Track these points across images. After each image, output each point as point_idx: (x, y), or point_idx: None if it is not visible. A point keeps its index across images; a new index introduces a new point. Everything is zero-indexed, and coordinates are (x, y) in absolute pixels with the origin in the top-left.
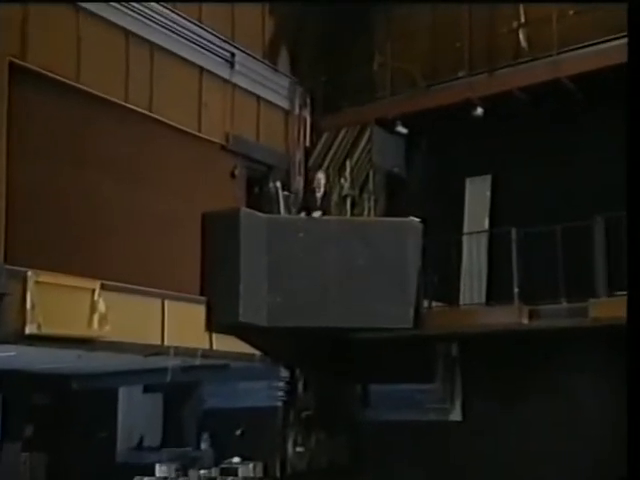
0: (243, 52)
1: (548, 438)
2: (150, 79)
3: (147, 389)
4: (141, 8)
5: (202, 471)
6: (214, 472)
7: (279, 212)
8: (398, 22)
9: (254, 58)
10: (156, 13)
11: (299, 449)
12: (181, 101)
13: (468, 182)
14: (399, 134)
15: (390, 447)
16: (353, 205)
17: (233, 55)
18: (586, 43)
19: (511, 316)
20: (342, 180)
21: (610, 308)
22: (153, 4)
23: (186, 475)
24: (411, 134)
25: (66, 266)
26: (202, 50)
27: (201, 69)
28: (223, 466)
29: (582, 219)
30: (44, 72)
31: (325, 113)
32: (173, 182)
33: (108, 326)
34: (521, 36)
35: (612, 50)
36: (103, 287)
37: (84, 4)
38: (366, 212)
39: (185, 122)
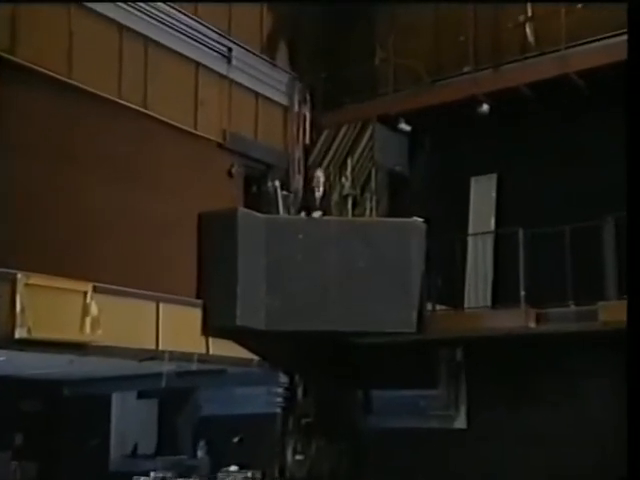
0: (240, 47)
1: (556, 446)
2: (144, 75)
3: (141, 395)
4: (135, 1)
5: None
6: None
7: (278, 212)
8: (401, 16)
9: (252, 53)
10: (150, 7)
11: (299, 457)
12: (176, 97)
13: (473, 181)
14: (402, 131)
15: (392, 455)
16: (354, 205)
17: (230, 50)
18: (595, 37)
19: (518, 320)
20: (343, 179)
21: (620, 311)
22: None
23: None
24: (414, 131)
25: (57, 268)
26: (198, 45)
27: (197, 64)
28: (220, 475)
29: (591, 219)
30: (34, 67)
31: (325, 110)
32: (168, 181)
33: (101, 330)
34: (528, 30)
35: (622, 45)
36: (95, 289)
37: None
38: (368, 212)
39: (181, 119)
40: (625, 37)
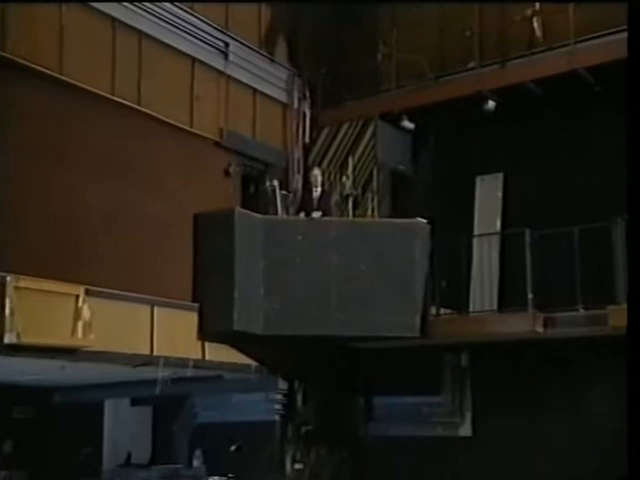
0: (238, 42)
1: (565, 455)
2: (138, 70)
3: (135, 402)
4: (132, 2)
5: None
6: None
7: (276, 213)
8: (404, 10)
9: (250, 48)
10: (145, 0)
11: (298, 466)
12: (172, 94)
13: (478, 181)
14: (405, 129)
15: (395, 464)
16: (355, 205)
17: (227, 45)
18: (605, 32)
19: (525, 324)
20: (344, 179)
21: None
22: None
23: None
24: (418, 129)
25: (48, 270)
26: (194, 40)
27: (193, 60)
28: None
29: (601, 220)
30: (24, 62)
31: (326, 107)
32: (163, 181)
33: (93, 335)
34: (535, 24)
35: None
36: (88, 293)
37: None
38: (369, 213)
39: (176, 117)
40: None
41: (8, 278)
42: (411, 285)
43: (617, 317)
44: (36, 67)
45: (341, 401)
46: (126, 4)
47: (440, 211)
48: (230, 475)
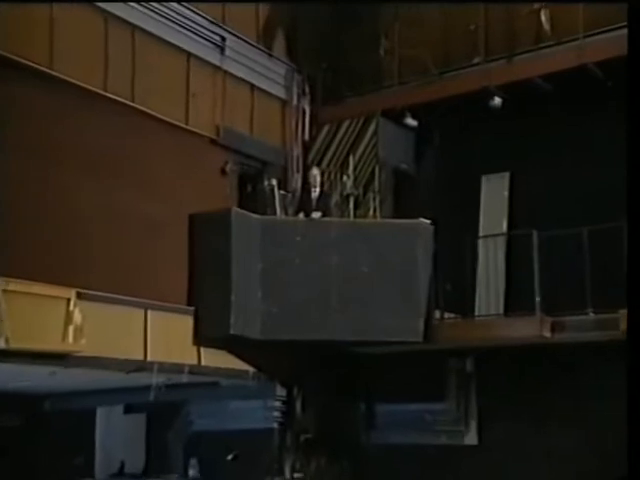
0: (235, 36)
1: (573, 464)
2: (132, 66)
3: (128, 409)
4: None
5: None
6: None
7: (275, 213)
8: (404, 10)
9: (247, 43)
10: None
11: (297, 475)
12: (166, 90)
13: (484, 180)
14: (408, 127)
15: (397, 474)
16: (356, 205)
17: (224, 39)
18: (615, 26)
19: (532, 328)
20: (344, 178)
21: None
22: None
23: None
24: (421, 127)
25: (38, 273)
26: (189, 34)
27: (188, 55)
28: None
29: (611, 220)
30: (12, 57)
31: (326, 103)
32: (157, 180)
33: (84, 339)
34: (543, 18)
35: None
36: (79, 296)
37: None
38: (371, 213)
39: (171, 113)
40: None
41: None
42: (414, 288)
43: None
44: (26, 62)
45: (342, 408)
46: None
47: (444, 211)
48: None
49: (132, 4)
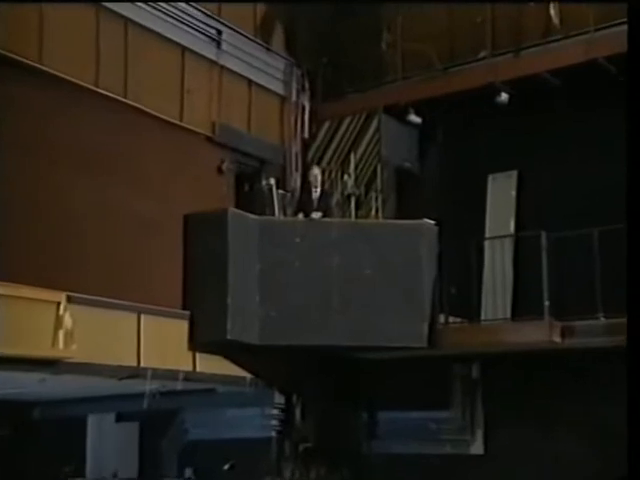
0: (231, 29)
1: (582, 473)
2: (124, 61)
3: (121, 417)
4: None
5: None
6: None
7: (273, 213)
8: (404, 10)
9: (244, 36)
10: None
11: None
12: (160, 86)
13: (490, 179)
14: (411, 124)
15: None
16: (358, 205)
17: (220, 33)
18: (627, 19)
19: (541, 333)
20: (345, 177)
21: None
22: None
23: None
24: (425, 124)
25: (26, 275)
26: (184, 27)
27: (183, 49)
28: None
29: (623, 221)
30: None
31: (326, 100)
32: (151, 179)
33: (75, 345)
34: (552, 11)
35: None
36: (70, 300)
37: None
38: (373, 213)
39: (165, 110)
40: None
41: None
42: (418, 291)
43: None
44: (13, 57)
45: (342, 416)
46: None
47: (449, 211)
48: None
49: None
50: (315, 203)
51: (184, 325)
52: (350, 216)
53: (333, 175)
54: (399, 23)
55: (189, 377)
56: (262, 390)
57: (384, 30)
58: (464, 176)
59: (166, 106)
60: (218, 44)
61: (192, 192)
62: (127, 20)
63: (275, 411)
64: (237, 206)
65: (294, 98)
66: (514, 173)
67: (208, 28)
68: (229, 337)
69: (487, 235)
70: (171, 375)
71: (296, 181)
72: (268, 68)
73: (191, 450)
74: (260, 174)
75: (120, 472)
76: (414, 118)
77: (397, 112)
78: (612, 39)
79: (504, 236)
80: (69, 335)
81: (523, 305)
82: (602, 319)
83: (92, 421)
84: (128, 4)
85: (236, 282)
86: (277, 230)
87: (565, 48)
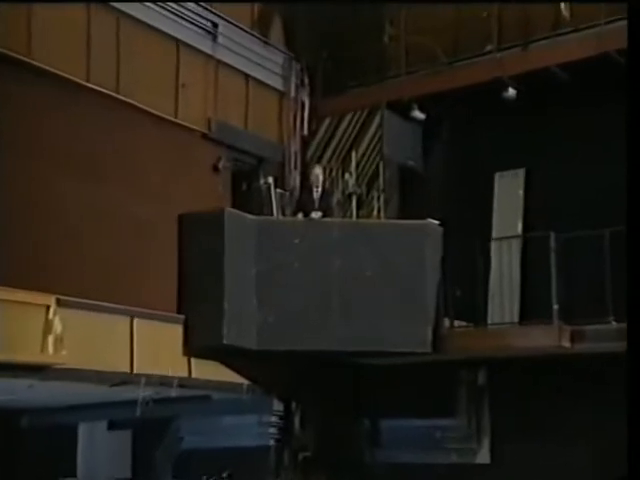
0: (228, 22)
1: None
2: (117, 55)
3: (113, 425)
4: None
5: None
6: None
7: (271, 213)
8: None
9: (241, 29)
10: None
11: None
12: (154, 81)
13: (497, 177)
14: (415, 120)
15: None
16: (359, 205)
17: (216, 26)
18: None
19: (549, 338)
20: (346, 175)
21: None
22: None
23: None
24: (429, 120)
25: (15, 278)
26: (179, 20)
27: (178, 42)
28: None
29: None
30: None
31: (327, 95)
32: (145, 177)
33: (65, 350)
34: (562, 4)
35: None
36: (59, 303)
37: None
38: (375, 213)
39: (159, 106)
40: None
41: None
42: (421, 294)
43: None
44: (2, 50)
45: (343, 424)
46: None
47: (454, 211)
48: None
49: None
50: (315, 202)
51: (179, 329)
52: (351, 216)
53: (334, 173)
54: (402, 16)
55: (184, 383)
56: (260, 397)
57: (387, 23)
58: (470, 174)
59: (160, 102)
60: (214, 37)
61: (187, 191)
62: (119, 13)
63: (273, 419)
64: (234, 206)
65: (293, 93)
66: (522, 171)
67: (204, 21)
68: (225, 342)
69: (494, 236)
70: (165, 381)
71: (295, 180)
72: (266, 62)
73: (186, 459)
74: (258, 172)
75: None
76: (418, 114)
77: (400, 108)
78: (624, 32)
79: (511, 237)
80: (59, 340)
81: (531, 308)
82: (613, 323)
83: (83, 429)
84: None
85: (233, 284)
86: (275, 231)
87: (575, 41)
